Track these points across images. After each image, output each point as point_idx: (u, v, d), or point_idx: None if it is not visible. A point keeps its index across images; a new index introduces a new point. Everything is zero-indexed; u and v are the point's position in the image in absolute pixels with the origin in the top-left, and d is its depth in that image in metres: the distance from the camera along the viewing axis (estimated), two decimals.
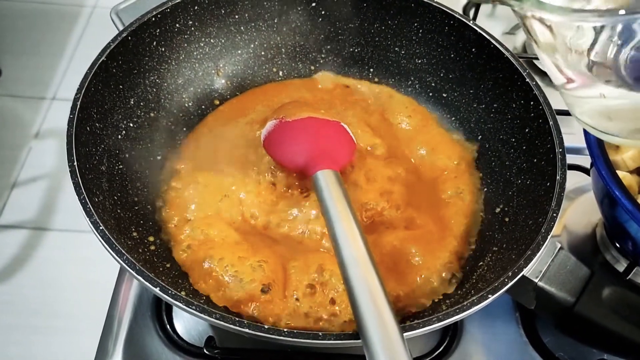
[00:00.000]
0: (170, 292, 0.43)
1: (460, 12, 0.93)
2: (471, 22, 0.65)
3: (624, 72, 0.44)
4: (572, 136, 0.60)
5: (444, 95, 0.71)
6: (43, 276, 1.56)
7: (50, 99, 2.01)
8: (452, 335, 0.60)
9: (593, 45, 0.43)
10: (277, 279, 0.54)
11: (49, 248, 1.62)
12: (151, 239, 0.56)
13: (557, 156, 0.54)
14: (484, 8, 0.97)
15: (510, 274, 0.47)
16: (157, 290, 0.44)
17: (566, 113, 0.68)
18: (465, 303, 0.45)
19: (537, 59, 0.85)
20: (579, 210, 0.71)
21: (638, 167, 0.58)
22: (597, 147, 0.54)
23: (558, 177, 0.53)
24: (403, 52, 0.72)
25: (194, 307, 0.43)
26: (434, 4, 0.67)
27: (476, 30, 0.65)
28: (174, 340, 0.58)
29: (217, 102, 0.71)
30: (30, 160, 1.83)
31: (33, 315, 1.48)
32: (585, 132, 0.55)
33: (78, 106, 0.53)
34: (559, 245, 0.50)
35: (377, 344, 0.40)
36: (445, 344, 0.59)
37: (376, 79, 0.74)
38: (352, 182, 0.61)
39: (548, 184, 0.54)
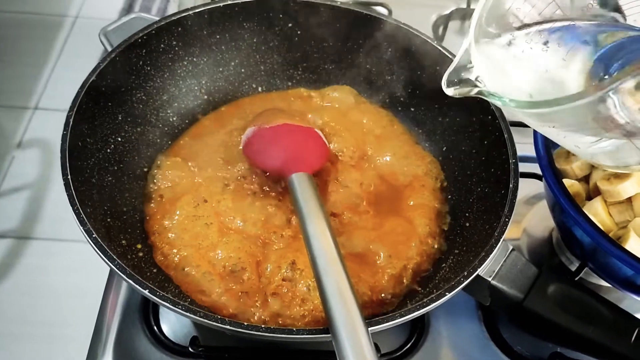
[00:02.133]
0: (158, 293, 0.48)
1: (430, 28, 1.00)
2: (435, 42, 0.70)
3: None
4: (531, 146, 0.63)
5: (412, 109, 0.76)
6: (27, 284, 1.55)
7: (32, 108, 2.00)
8: (419, 332, 0.64)
9: None
10: (252, 284, 0.58)
11: (32, 256, 1.61)
12: (139, 246, 0.61)
13: (511, 166, 0.60)
14: (453, 24, 1.02)
15: (465, 273, 0.52)
16: (146, 292, 0.48)
17: (521, 125, 0.74)
18: (425, 300, 0.50)
19: None
20: (537, 216, 0.77)
21: (585, 175, 0.64)
22: (545, 159, 0.59)
23: (511, 185, 0.58)
24: (374, 69, 0.77)
25: (180, 307, 0.47)
26: (402, 25, 0.72)
27: (440, 50, 0.70)
28: (161, 341, 0.62)
29: (200, 117, 0.75)
30: (13, 169, 1.82)
31: (18, 323, 1.48)
32: (535, 145, 0.60)
33: (71, 123, 0.57)
34: (510, 247, 0.55)
35: (345, 337, 0.44)
36: (413, 340, 0.64)
37: None
38: (323, 188, 0.66)
39: (503, 191, 0.59)
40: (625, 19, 0.54)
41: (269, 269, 0.59)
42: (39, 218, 1.70)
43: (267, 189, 0.66)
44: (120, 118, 0.66)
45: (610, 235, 0.56)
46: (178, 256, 0.60)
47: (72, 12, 2.33)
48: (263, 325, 0.47)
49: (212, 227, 0.61)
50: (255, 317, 0.56)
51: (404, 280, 0.61)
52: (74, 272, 1.50)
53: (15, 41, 2.18)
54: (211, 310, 0.56)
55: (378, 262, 0.61)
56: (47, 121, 2.04)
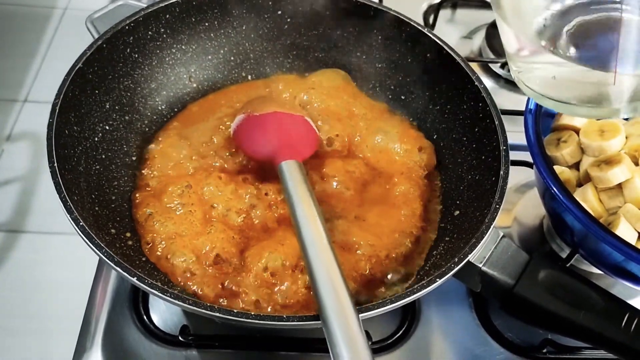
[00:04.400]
0: (146, 281, 0.47)
1: (421, 17, 0.99)
2: (426, 29, 0.70)
3: (564, 46, 0.50)
4: (522, 134, 0.63)
5: (402, 97, 0.75)
6: (18, 278, 1.56)
7: (22, 101, 2.00)
8: (410, 319, 0.64)
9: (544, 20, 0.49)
10: (237, 273, 0.58)
11: (23, 250, 1.62)
12: (128, 234, 0.60)
13: (501, 153, 0.59)
14: (444, 13, 1.02)
15: (456, 259, 0.51)
16: (134, 279, 0.47)
17: (511, 113, 0.75)
18: (415, 287, 0.49)
19: (491, 62, 0.91)
20: (528, 204, 0.76)
21: (576, 162, 0.64)
22: (536, 145, 0.59)
23: (501, 172, 0.58)
24: (364, 57, 0.76)
25: (169, 295, 0.46)
26: (392, 12, 0.71)
27: (430, 38, 0.69)
28: (150, 330, 0.61)
29: (188, 105, 0.74)
30: (3, 162, 1.82)
31: (8, 317, 1.48)
32: (526, 131, 0.60)
33: (57, 111, 0.56)
34: (501, 234, 0.55)
35: (336, 324, 0.44)
36: (404, 328, 0.64)
37: None
38: (309, 175, 0.65)
39: (493, 178, 0.58)
40: None
41: (252, 259, 0.58)
42: (29, 211, 1.70)
43: (255, 177, 0.65)
44: (107, 106, 0.66)
45: (600, 221, 0.56)
46: (162, 244, 0.59)
47: (61, 4, 2.32)
48: (253, 313, 0.47)
49: (196, 215, 0.61)
50: (241, 306, 0.55)
51: (391, 268, 0.60)
52: (65, 265, 1.50)
53: (4, 34, 2.16)
54: (198, 299, 0.56)
55: (363, 250, 0.60)
56: (37, 114, 2.03)
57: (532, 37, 0.52)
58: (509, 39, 0.54)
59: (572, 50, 0.50)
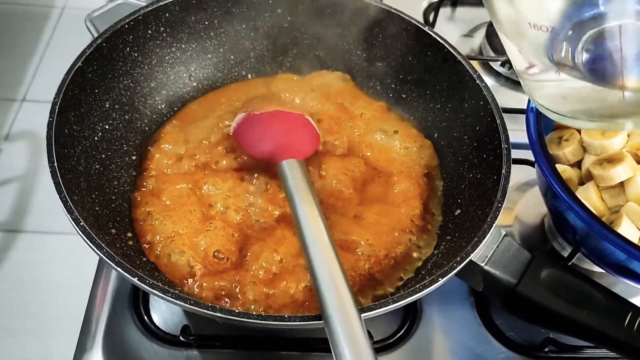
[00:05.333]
0: (147, 281, 0.47)
1: (421, 15, 0.99)
2: (427, 27, 0.70)
3: (575, 63, 0.49)
4: (523, 132, 0.62)
5: (403, 95, 0.75)
6: (17, 278, 1.55)
7: (20, 100, 1.99)
8: (412, 318, 0.64)
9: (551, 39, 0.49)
10: (235, 271, 0.58)
11: (22, 250, 1.61)
12: (129, 234, 0.60)
13: (503, 152, 0.59)
14: (444, 12, 1.02)
15: (458, 259, 0.51)
16: (135, 280, 0.47)
17: (512, 111, 0.74)
18: (417, 286, 0.49)
19: (492, 60, 0.91)
20: (529, 202, 0.76)
21: (578, 160, 0.64)
22: (538, 144, 0.58)
23: (503, 171, 0.57)
24: (364, 55, 0.76)
25: (170, 295, 0.46)
26: (393, 10, 0.71)
27: (431, 36, 0.69)
28: (151, 330, 0.61)
29: (188, 104, 0.74)
30: (1, 162, 1.82)
31: (7, 317, 1.47)
32: (527, 130, 0.60)
33: (57, 110, 0.56)
34: (503, 233, 0.55)
35: (338, 324, 0.43)
36: (406, 327, 0.63)
37: None
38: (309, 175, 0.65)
39: (495, 177, 0.58)
40: None
41: (251, 257, 0.58)
42: (27, 211, 1.69)
43: (254, 175, 0.65)
44: (107, 105, 0.65)
45: (602, 219, 0.55)
46: (162, 243, 0.59)
47: (59, 3, 2.31)
48: (254, 313, 0.47)
49: (195, 213, 0.61)
50: (240, 305, 0.55)
51: (393, 268, 0.60)
52: (64, 265, 1.50)
53: (1, 32, 2.15)
54: (197, 298, 0.55)
55: (362, 249, 0.60)
56: (35, 113, 2.02)
57: (538, 57, 0.51)
58: (516, 58, 0.54)
59: (580, 67, 0.50)
